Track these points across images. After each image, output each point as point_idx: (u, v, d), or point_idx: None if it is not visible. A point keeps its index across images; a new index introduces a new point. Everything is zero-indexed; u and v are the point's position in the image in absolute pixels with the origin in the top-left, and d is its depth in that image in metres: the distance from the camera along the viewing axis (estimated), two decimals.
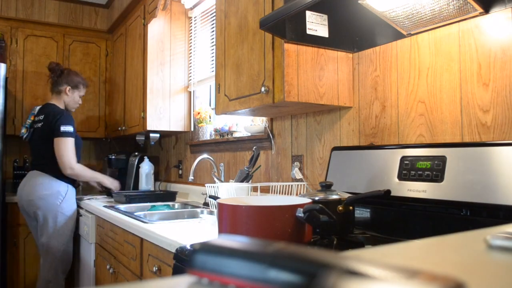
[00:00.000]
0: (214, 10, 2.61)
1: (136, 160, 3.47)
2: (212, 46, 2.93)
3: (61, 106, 3.01)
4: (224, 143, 2.73)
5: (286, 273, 0.28)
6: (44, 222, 2.79)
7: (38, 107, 3.05)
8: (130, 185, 3.45)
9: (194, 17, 3.25)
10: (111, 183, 3.13)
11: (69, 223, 2.87)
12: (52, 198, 2.79)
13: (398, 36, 1.54)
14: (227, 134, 2.69)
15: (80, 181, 3.26)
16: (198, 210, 2.50)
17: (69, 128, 2.83)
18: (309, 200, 1.24)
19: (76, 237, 3.10)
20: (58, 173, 2.82)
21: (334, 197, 1.34)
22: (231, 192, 1.92)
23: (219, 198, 1.65)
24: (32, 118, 3.01)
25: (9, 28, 3.68)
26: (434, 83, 1.44)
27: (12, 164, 3.70)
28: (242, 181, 2.03)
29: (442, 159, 1.29)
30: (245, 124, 2.49)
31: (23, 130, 3.02)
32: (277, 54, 1.64)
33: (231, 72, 1.94)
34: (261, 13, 1.72)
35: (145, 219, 1.98)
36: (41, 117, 2.91)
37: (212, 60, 2.93)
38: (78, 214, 2.96)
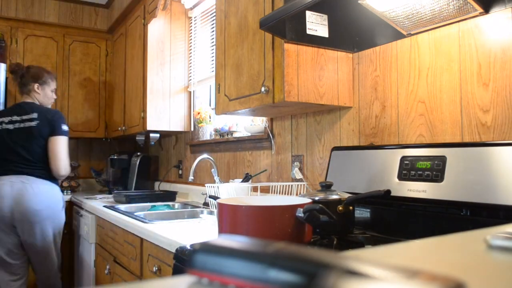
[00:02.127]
0: (214, 10, 2.61)
1: (138, 160, 3.47)
2: (212, 46, 2.93)
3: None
4: (224, 143, 2.73)
5: (286, 273, 0.28)
6: (42, 237, 2.51)
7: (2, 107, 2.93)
8: (132, 185, 3.46)
9: (194, 17, 3.25)
10: None
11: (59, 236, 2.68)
12: (57, 206, 2.61)
13: (398, 36, 1.54)
14: (227, 134, 2.69)
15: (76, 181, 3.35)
16: (198, 210, 2.50)
17: (67, 128, 2.69)
18: (309, 200, 1.24)
19: (76, 237, 3.09)
20: (51, 176, 2.62)
21: (334, 197, 1.34)
22: (231, 192, 1.92)
23: (219, 198, 1.65)
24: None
25: (9, 28, 3.68)
26: (434, 83, 1.44)
27: None
28: (242, 181, 2.03)
29: (442, 159, 1.29)
30: (245, 124, 2.49)
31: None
32: (277, 54, 1.64)
33: (231, 72, 1.94)
34: (261, 13, 1.72)
35: (145, 219, 1.98)
36: (34, 115, 2.61)
37: (212, 60, 2.93)
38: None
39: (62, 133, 2.62)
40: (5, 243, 2.50)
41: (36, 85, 2.73)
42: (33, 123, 2.58)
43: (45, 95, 2.78)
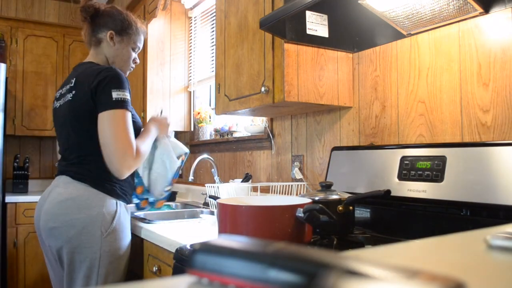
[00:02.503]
0: (214, 10, 2.61)
1: None
2: (212, 46, 2.93)
3: (104, 64, 1.73)
4: (224, 143, 2.73)
5: (286, 273, 0.28)
6: (72, 270, 1.53)
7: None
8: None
9: (194, 17, 3.25)
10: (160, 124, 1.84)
11: (117, 273, 1.59)
12: (91, 225, 1.52)
13: (398, 36, 1.54)
14: (227, 134, 2.69)
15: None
16: (198, 210, 2.50)
17: (125, 94, 1.57)
18: (309, 200, 1.24)
19: None
20: (100, 178, 1.58)
21: (334, 197, 1.34)
22: (231, 192, 1.93)
23: (219, 198, 1.65)
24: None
25: (9, 28, 3.68)
26: (434, 83, 1.44)
27: (12, 164, 3.70)
28: (242, 181, 2.03)
29: (442, 159, 1.29)
30: (245, 124, 2.49)
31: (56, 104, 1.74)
32: (277, 54, 1.64)
33: (231, 72, 1.94)
34: (261, 13, 1.72)
35: (145, 219, 1.98)
36: (72, 82, 1.65)
37: (212, 60, 2.93)
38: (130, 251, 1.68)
39: (114, 104, 1.53)
40: (54, 272, 1.67)
41: (109, 33, 1.71)
42: (70, 95, 1.63)
43: (121, 52, 1.75)
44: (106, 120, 1.52)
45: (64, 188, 1.57)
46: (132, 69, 1.83)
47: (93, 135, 1.55)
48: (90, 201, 1.54)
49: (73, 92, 1.61)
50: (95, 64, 1.69)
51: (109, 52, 1.74)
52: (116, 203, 1.59)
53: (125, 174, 1.54)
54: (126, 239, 1.62)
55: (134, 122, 1.63)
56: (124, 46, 1.75)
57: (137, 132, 1.68)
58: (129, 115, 1.57)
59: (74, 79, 1.65)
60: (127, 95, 1.58)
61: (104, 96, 1.53)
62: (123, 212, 1.61)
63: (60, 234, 1.52)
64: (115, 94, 1.53)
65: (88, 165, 1.59)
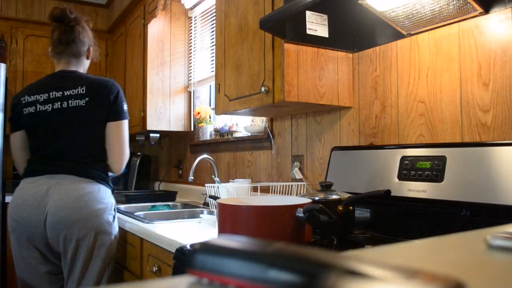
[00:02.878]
0: (214, 10, 2.61)
1: (138, 160, 3.47)
2: (212, 46, 2.93)
3: None
4: (224, 143, 2.73)
5: (286, 273, 0.28)
6: (80, 257, 1.74)
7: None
8: (132, 185, 3.46)
9: (194, 17, 3.25)
10: None
11: (112, 253, 1.85)
12: (106, 214, 1.81)
13: (398, 36, 1.54)
14: (227, 134, 2.69)
15: None
16: (198, 210, 2.50)
17: (126, 106, 1.94)
18: (309, 200, 1.24)
19: None
20: (102, 176, 1.87)
21: (334, 197, 1.34)
22: (231, 192, 1.93)
23: (219, 198, 1.65)
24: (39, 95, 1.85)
25: (9, 28, 3.68)
26: (434, 83, 1.44)
27: (12, 164, 3.69)
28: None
29: (442, 159, 1.29)
30: (245, 124, 2.49)
31: (31, 109, 1.84)
32: (277, 54, 1.64)
33: (231, 72, 1.94)
34: (261, 13, 1.72)
35: (145, 219, 1.98)
36: (82, 89, 1.83)
37: (212, 60, 2.93)
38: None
39: (125, 116, 1.90)
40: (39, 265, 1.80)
41: (91, 49, 1.97)
42: (82, 102, 1.81)
43: (88, 64, 2.03)
44: (117, 128, 1.88)
45: (77, 185, 1.77)
46: None
47: (96, 139, 1.86)
48: (102, 194, 1.82)
49: (86, 99, 1.83)
50: (90, 75, 1.96)
51: (87, 66, 2.04)
52: (112, 195, 1.93)
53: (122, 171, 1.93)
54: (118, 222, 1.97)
55: None
56: (92, 59, 2.07)
57: None
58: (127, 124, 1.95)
59: (85, 87, 1.85)
60: (126, 107, 1.95)
61: (118, 108, 1.87)
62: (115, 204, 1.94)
63: (85, 224, 1.73)
64: (125, 107, 1.91)
65: (93, 165, 1.85)
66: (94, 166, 1.84)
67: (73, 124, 1.83)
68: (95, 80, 1.89)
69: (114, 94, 1.85)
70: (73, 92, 1.82)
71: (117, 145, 1.86)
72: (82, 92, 1.82)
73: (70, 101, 1.82)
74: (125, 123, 1.89)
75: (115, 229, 1.87)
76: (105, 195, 1.83)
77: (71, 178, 1.78)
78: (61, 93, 1.83)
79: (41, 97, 1.84)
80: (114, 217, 1.86)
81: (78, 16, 1.93)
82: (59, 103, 1.82)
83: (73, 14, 1.91)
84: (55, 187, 1.75)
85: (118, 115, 1.86)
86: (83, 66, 1.97)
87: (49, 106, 1.82)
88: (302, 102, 1.65)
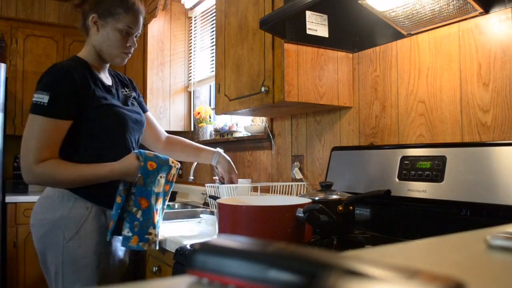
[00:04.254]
0: (214, 10, 2.61)
1: None
2: (212, 46, 2.93)
3: (89, 56, 1.53)
4: (224, 143, 2.73)
5: (286, 273, 0.28)
6: (45, 272, 1.47)
7: None
8: None
9: (194, 17, 3.25)
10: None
11: (87, 283, 1.39)
12: (55, 228, 1.39)
13: (398, 36, 1.54)
14: (227, 134, 2.69)
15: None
16: (198, 210, 2.50)
17: (42, 97, 1.36)
18: (309, 200, 1.24)
19: None
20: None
21: (334, 197, 1.34)
22: (231, 192, 1.93)
23: (219, 198, 1.65)
24: None
25: (9, 28, 3.68)
26: (434, 83, 1.44)
27: (12, 164, 3.70)
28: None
29: (442, 159, 1.29)
30: (245, 124, 2.49)
31: None
32: (277, 54, 1.64)
33: (231, 72, 1.94)
34: (261, 13, 1.72)
35: None
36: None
37: (212, 60, 2.93)
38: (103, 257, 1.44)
39: (31, 108, 1.38)
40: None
41: (93, 17, 1.50)
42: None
43: (106, 36, 1.51)
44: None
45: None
46: (128, 55, 1.57)
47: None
48: (57, 202, 1.41)
49: None
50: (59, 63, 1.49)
51: (95, 40, 1.52)
52: (88, 207, 1.41)
53: (26, 179, 1.37)
54: (96, 247, 1.40)
55: (117, 114, 1.47)
56: (109, 30, 1.51)
57: (122, 123, 1.49)
58: (43, 121, 1.35)
59: None
60: (44, 99, 1.35)
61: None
62: (94, 217, 1.41)
63: (34, 232, 1.45)
64: (34, 97, 1.38)
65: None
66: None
67: None
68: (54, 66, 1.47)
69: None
70: None
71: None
72: None
73: None
74: (31, 117, 1.37)
75: (74, 252, 1.38)
76: (64, 203, 1.41)
77: None
78: None
79: None
80: (71, 235, 1.39)
81: None
82: None
83: None
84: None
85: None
86: (88, 47, 1.59)
87: None
88: (302, 102, 1.65)
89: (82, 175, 1.38)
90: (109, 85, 1.56)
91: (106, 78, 1.58)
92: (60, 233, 1.39)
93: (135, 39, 1.59)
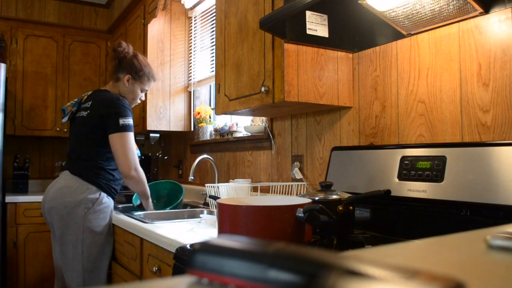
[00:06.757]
0: (214, 10, 2.61)
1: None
2: (212, 46, 2.93)
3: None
4: (224, 143, 2.73)
5: (286, 273, 0.28)
6: (62, 243, 2.10)
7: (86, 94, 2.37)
8: None
9: (194, 17, 3.25)
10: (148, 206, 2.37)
11: (98, 247, 2.11)
12: (77, 207, 2.07)
13: (398, 36, 1.54)
14: (227, 134, 2.69)
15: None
16: (198, 210, 2.49)
17: (130, 121, 2.16)
18: (309, 200, 1.24)
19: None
20: (90, 174, 2.14)
21: (334, 197, 1.34)
22: (231, 192, 1.93)
23: (219, 198, 1.65)
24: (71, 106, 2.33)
25: (9, 28, 3.68)
26: (434, 83, 1.44)
27: (12, 164, 3.70)
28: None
29: (442, 159, 1.29)
30: (245, 124, 2.49)
31: (64, 119, 2.33)
32: (277, 54, 1.64)
33: (231, 72, 1.94)
34: (261, 13, 1.72)
35: (145, 219, 1.98)
36: (88, 104, 2.24)
37: (212, 60, 2.93)
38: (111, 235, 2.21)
39: (121, 128, 2.12)
40: (52, 240, 2.25)
41: (127, 77, 2.29)
42: (85, 113, 2.22)
43: (132, 91, 2.33)
44: (117, 139, 2.11)
45: (64, 179, 2.15)
46: (138, 103, 2.43)
47: (91, 145, 2.17)
48: (79, 189, 2.09)
49: (88, 111, 2.19)
50: (109, 93, 2.25)
51: (123, 90, 2.31)
52: (100, 193, 2.12)
53: (127, 178, 2.15)
54: (105, 220, 2.14)
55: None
56: (135, 88, 2.32)
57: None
58: (132, 137, 2.16)
59: (91, 102, 2.22)
60: (131, 122, 2.17)
61: (111, 121, 2.10)
62: (104, 200, 2.14)
63: (55, 212, 2.09)
64: (122, 121, 2.12)
65: (83, 164, 2.15)
66: (84, 165, 2.15)
67: (79, 131, 2.24)
68: (103, 96, 2.23)
69: (112, 109, 2.13)
70: (84, 105, 2.25)
71: (118, 153, 2.12)
72: (87, 105, 2.22)
73: (81, 112, 2.25)
74: (124, 135, 2.12)
75: (91, 222, 2.08)
76: (80, 190, 2.09)
77: (66, 174, 2.18)
78: (79, 105, 2.28)
79: (75, 105, 2.30)
80: (90, 210, 2.08)
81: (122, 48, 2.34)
82: (78, 113, 2.27)
83: (120, 46, 2.34)
84: (56, 181, 2.20)
85: (114, 128, 2.11)
86: (116, 90, 2.33)
87: (78, 114, 2.27)
88: (302, 102, 1.65)
89: (147, 189, 2.29)
90: None
91: None
92: (81, 210, 2.07)
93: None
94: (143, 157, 2.47)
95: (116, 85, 2.32)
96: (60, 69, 3.85)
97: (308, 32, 1.47)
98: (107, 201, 2.16)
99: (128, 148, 2.12)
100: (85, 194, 2.08)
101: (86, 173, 2.13)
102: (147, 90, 2.41)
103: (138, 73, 2.30)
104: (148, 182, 2.33)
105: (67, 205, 2.06)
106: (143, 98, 2.44)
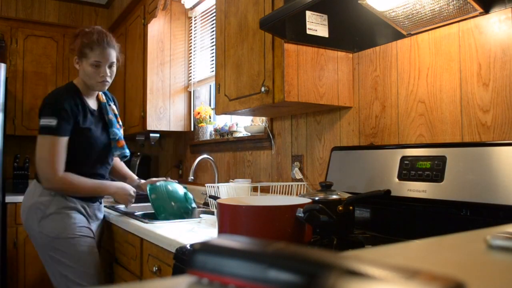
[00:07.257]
0: (214, 10, 2.61)
1: (138, 160, 3.47)
2: (212, 46, 2.93)
3: (79, 84, 2.02)
4: (224, 143, 2.73)
5: (286, 273, 0.28)
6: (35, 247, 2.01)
7: None
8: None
9: (194, 17, 3.25)
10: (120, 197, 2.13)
11: (71, 252, 1.89)
12: (32, 211, 1.93)
13: (398, 36, 1.54)
14: (227, 134, 2.69)
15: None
16: (198, 210, 2.49)
17: (50, 121, 1.88)
18: (309, 200, 1.24)
19: None
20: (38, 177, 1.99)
21: (334, 197, 1.34)
22: (231, 192, 1.93)
23: (219, 198, 1.65)
24: None
25: (9, 28, 3.68)
26: (434, 83, 1.44)
27: (12, 164, 3.70)
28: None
29: (442, 159, 1.29)
30: (245, 124, 2.49)
31: None
32: (277, 54, 1.64)
33: (231, 72, 1.94)
34: (261, 13, 1.72)
35: (145, 219, 1.98)
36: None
37: (212, 60, 2.93)
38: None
39: (40, 130, 1.92)
40: None
41: (75, 59, 2.01)
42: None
43: (84, 72, 1.97)
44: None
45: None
46: (104, 83, 1.98)
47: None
48: (33, 192, 1.96)
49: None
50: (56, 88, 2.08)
51: (80, 75, 2.01)
52: (51, 193, 1.92)
53: (48, 187, 1.91)
54: (63, 221, 1.90)
55: (82, 130, 1.93)
56: (85, 67, 1.96)
57: (85, 138, 1.96)
58: (52, 140, 1.88)
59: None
60: (52, 122, 1.88)
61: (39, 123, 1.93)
62: (58, 201, 1.92)
63: (22, 217, 1.99)
64: (43, 121, 1.91)
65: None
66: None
67: None
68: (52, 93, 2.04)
69: (40, 108, 1.99)
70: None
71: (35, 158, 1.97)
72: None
73: None
74: (39, 138, 1.93)
75: (48, 227, 1.88)
76: (36, 193, 1.94)
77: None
78: None
79: None
80: (42, 215, 1.90)
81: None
82: None
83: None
84: None
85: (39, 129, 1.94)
86: (78, 79, 2.06)
87: None
88: (302, 102, 1.65)
89: (91, 187, 1.99)
90: (94, 109, 2.03)
91: (93, 102, 2.06)
92: (34, 215, 1.90)
93: (109, 69, 1.98)
94: (128, 157, 2.24)
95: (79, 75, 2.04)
96: (60, 69, 3.85)
97: (308, 32, 1.47)
98: (64, 201, 1.92)
99: (40, 155, 1.88)
100: (36, 198, 1.92)
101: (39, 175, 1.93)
102: (100, 62, 1.94)
103: (79, 49, 1.95)
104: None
105: (24, 210, 1.96)
106: (108, 74, 1.97)
